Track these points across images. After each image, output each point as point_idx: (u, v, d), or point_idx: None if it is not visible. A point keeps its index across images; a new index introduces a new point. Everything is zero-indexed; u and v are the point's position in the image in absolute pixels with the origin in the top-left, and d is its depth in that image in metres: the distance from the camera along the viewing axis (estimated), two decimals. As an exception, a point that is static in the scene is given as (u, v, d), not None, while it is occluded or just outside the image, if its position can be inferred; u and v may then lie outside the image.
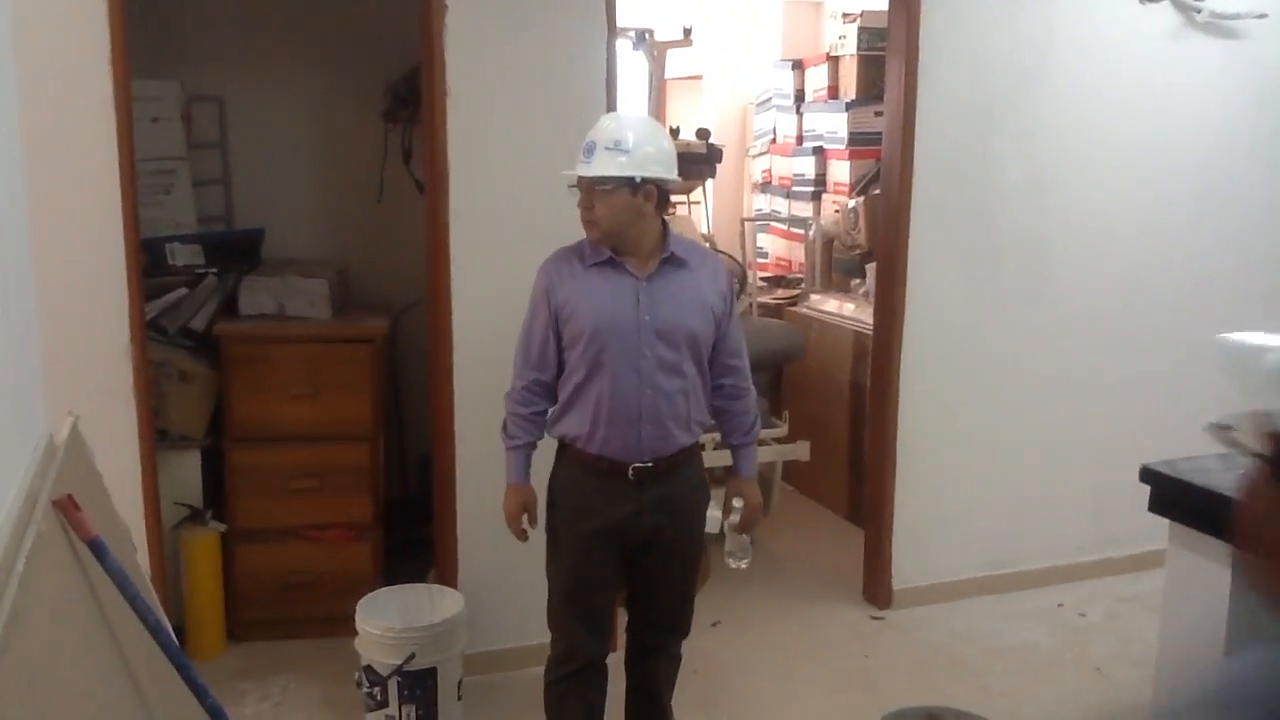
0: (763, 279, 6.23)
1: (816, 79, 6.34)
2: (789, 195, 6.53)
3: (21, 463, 1.70)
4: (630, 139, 2.71)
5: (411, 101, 4.25)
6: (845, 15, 6.13)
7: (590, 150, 2.72)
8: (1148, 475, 2.83)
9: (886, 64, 4.34)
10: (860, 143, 5.88)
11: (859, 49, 5.94)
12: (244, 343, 3.95)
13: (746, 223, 6.37)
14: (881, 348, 4.33)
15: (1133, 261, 4.55)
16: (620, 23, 3.86)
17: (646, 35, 5.71)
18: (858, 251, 5.63)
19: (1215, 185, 4.58)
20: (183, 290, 4.05)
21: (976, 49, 4.19)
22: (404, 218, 4.44)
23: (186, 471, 3.97)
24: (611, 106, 3.81)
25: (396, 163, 4.56)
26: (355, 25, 4.53)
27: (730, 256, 5.45)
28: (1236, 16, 4.45)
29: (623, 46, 5.56)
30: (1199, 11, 4.40)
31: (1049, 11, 4.26)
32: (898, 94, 4.17)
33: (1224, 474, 2.63)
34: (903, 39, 4.12)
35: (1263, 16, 4.46)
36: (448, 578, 3.78)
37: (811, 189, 6.27)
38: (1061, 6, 4.27)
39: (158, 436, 3.67)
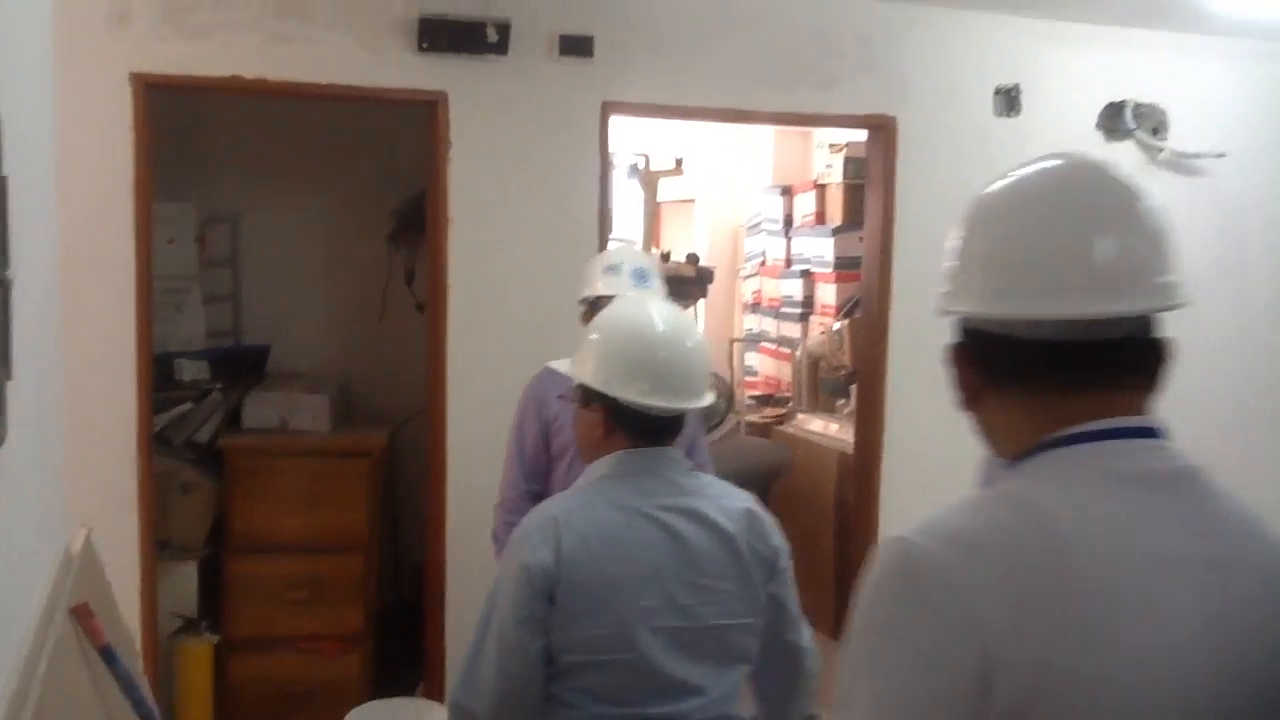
0: (752, 398, 6.38)
1: (805, 205, 6.58)
2: (778, 316, 6.72)
3: (45, 572, 1.82)
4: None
5: (416, 225, 4.47)
6: (832, 146, 6.40)
7: (645, 276, 3.04)
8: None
9: (866, 193, 4.57)
10: (846, 267, 6.08)
11: (845, 178, 6.18)
12: (247, 455, 4.09)
13: (735, 343, 6.55)
14: (863, 467, 4.47)
15: (1106, 385, 4.71)
16: (618, 146, 4.10)
17: (639, 166, 5.98)
18: (843, 372, 5.80)
19: (1182, 314, 4.75)
20: (188, 404, 4.20)
21: (951, 180, 4.41)
22: (404, 335, 4.62)
23: (184, 581, 4.06)
24: (604, 235, 4.02)
25: (399, 283, 4.76)
26: (365, 151, 4.77)
27: (718, 376, 5.61)
28: (1197, 155, 4.70)
29: (619, 174, 5.82)
30: (1161, 150, 4.66)
31: (1020, 145, 4.50)
32: (876, 222, 4.39)
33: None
34: (880, 170, 4.37)
35: (1221, 156, 4.72)
36: (436, 690, 3.85)
37: (800, 310, 6.46)
38: (1032, 141, 4.51)
39: (158, 546, 3.78)
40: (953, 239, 1.22)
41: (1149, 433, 1.12)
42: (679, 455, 2.00)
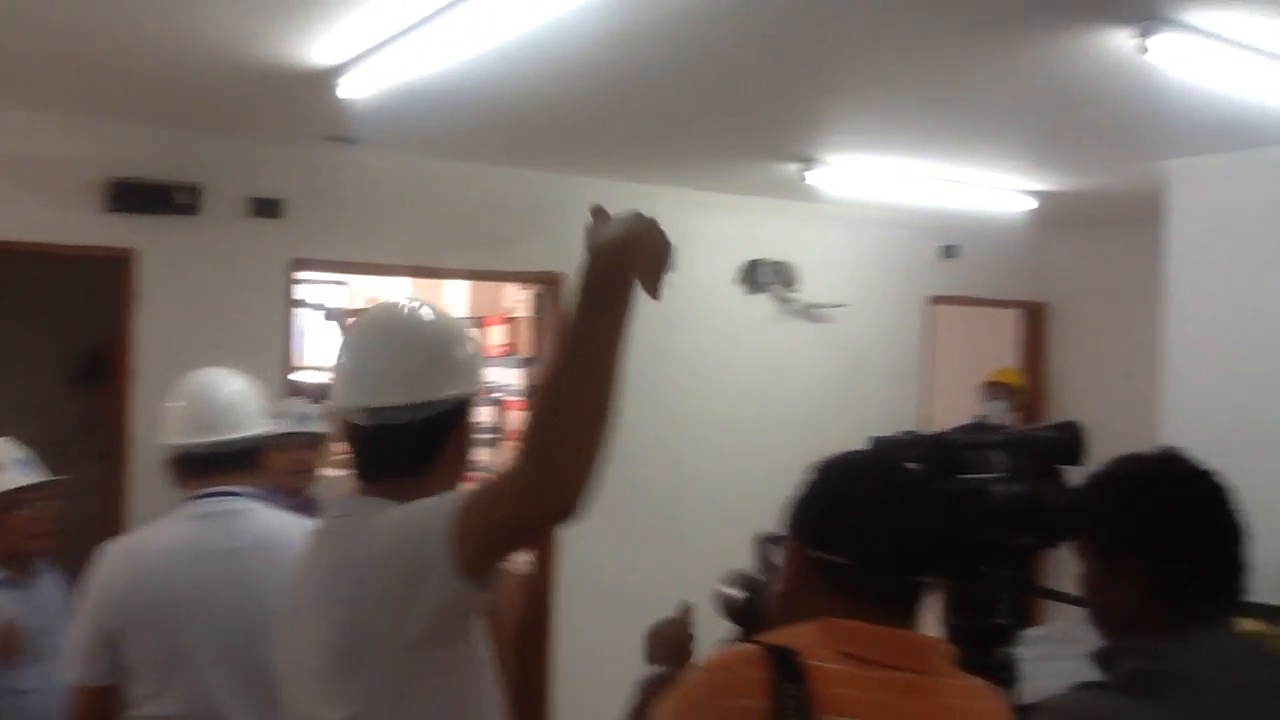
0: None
1: (497, 336, 7.00)
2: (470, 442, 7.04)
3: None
4: None
5: (100, 372, 4.53)
6: (521, 284, 6.89)
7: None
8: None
9: (535, 332, 5.05)
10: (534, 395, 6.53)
11: (533, 313, 6.66)
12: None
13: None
14: (538, 587, 4.84)
15: (752, 505, 5.30)
16: (314, 288, 4.37)
17: (333, 307, 6.27)
18: (529, 495, 6.18)
19: (814, 441, 5.41)
20: None
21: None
22: (83, 483, 4.60)
23: None
24: (287, 380, 4.27)
25: (82, 430, 4.76)
26: (52, 299, 4.80)
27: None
28: (821, 306, 5.51)
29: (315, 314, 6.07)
30: (792, 301, 5.43)
31: (673, 298, 5.09)
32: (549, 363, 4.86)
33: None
34: (551, 320, 4.87)
35: (841, 305, 5.55)
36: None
37: (490, 436, 6.82)
38: (682, 294, 5.13)
39: None
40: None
41: (228, 494, 2.26)
42: None
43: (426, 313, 1.73)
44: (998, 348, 6.47)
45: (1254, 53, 3.02)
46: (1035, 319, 6.44)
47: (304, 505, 3.57)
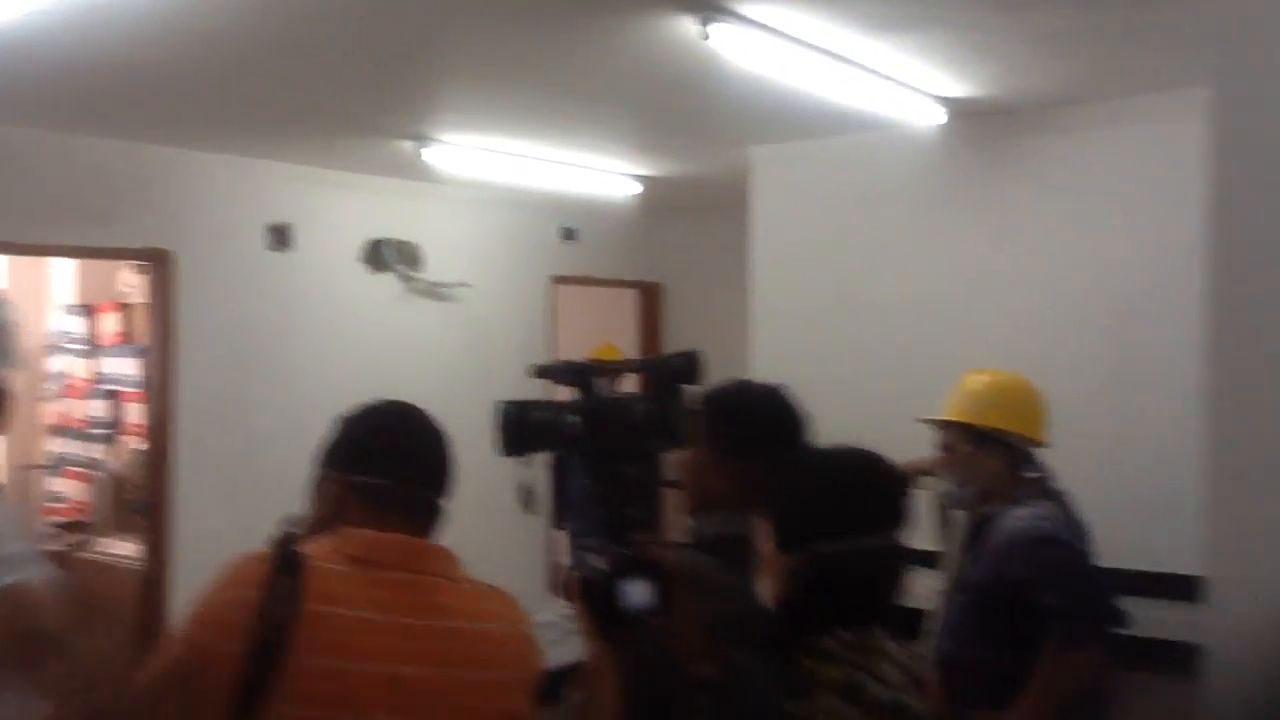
0: (59, 525, 6.18)
1: (109, 324, 6.58)
2: (84, 438, 6.59)
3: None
4: None
5: None
6: (137, 265, 6.51)
7: None
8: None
9: (149, 317, 4.84)
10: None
11: (148, 298, 6.33)
12: None
13: (32, 470, 6.34)
14: (151, 588, 4.64)
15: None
16: None
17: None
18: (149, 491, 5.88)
19: (442, 417, 5.59)
20: None
21: (230, 308, 4.86)
22: None
23: None
24: None
25: None
26: None
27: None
28: (446, 284, 5.63)
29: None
30: (415, 280, 5.52)
31: (292, 277, 5.08)
32: (157, 347, 4.68)
33: None
34: (159, 300, 4.68)
35: (465, 285, 5.70)
36: None
37: (107, 431, 6.42)
38: (303, 273, 5.11)
39: None
40: None
41: None
42: None
43: None
44: (617, 325, 6.88)
45: (807, 48, 3.43)
46: (650, 298, 6.91)
47: None
